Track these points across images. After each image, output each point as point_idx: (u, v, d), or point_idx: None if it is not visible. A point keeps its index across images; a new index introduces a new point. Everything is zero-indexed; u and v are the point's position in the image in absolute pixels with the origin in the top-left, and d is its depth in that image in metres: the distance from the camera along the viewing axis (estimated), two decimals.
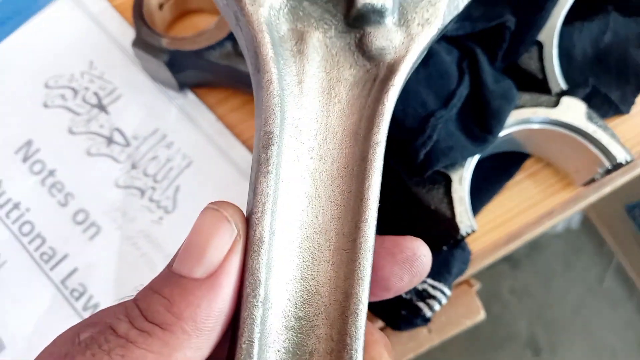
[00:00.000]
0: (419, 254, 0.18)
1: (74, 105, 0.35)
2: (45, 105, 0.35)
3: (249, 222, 0.16)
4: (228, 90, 0.36)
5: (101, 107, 0.35)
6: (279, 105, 0.16)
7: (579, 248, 0.93)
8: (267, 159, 0.16)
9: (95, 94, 0.35)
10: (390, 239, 0.18)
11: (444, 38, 0.29)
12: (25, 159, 0.34)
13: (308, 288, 0.17)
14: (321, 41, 0.18)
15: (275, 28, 0.17)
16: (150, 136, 0.34)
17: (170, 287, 0.15)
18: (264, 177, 0.16)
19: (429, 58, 0.28)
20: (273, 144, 0.16)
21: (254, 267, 0.15)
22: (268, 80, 0.16)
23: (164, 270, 0.16)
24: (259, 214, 0.16)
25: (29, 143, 0.34)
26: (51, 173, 0.34)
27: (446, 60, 0.29)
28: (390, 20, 0.17)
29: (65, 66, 0.36)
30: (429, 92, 0.28)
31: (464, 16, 0.30)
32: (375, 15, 0.17)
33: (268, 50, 0.17)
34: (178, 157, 0.34)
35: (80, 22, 0.37)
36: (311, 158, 0.17)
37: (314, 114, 0.17)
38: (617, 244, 0.89)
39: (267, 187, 0.16)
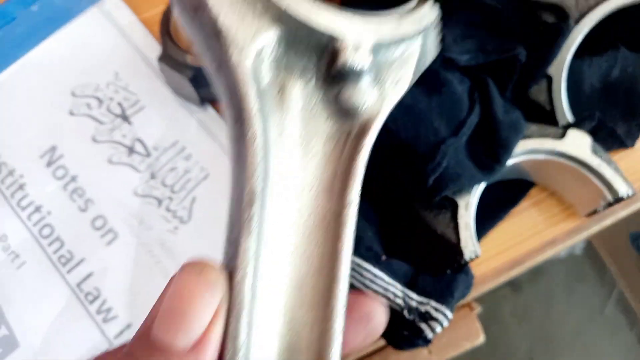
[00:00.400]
0: (374, 314, 0.17)
1: (98, 114, 0.36)
2: (71, 113, 0.37)
3: (230, 280, 0.15)
4: None
5: (124, 118, 0.36)
6: (263, 160, 0.16)
7: (581, 274, 0.93)
8: (251, 218, 0.16)
9: (120, 104, 0.37)
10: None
11: (458, 68, 0.31)
12: (49, 164, 0.35)
13: (286, 346, 0.16)
14: (301, 92, 0.18)
15: (259, 78, 0.17)
16: (170, 148, 0.35)
17: (153, 357, 0.14)
18: (247, 236, 0.15)
19: (442, 87, 0.30)
20: (256, 201, 0.16)
21: (236, 331, 0.15)
22: (252, 135, 0.16)
23: (141, 330, 0.15)
24: (241, 275, 0.15)
25: (53, 149, 0.36)
26: (73, 179, 0.35)
27: (458, 89, 0.30)
28: (366, 79, 0.18)
29: (92, 76, 0.37)
30: (440, 119, 0.29)
31: (478, 47, 0.31)
32: (353, 75, 0.17)
33: (254, 104, 0.16)
34: (196, 170, 0.35)
35: (109, 33, 0.38)
36: (290, 211, 0.17)
37: (292, 167, 0.17)
38: (620, 272, 0.89)
39: (250, 247, 0.15)
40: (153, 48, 0.38)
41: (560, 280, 0.93)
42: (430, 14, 0.20)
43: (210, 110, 0.37)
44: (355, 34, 0.18)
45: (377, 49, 0.18)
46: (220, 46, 0.17)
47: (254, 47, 0.17)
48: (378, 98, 0.18)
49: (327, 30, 0.17)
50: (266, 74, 0.17)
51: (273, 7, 0.17)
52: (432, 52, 0.21)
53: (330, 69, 0.18)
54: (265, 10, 0.17)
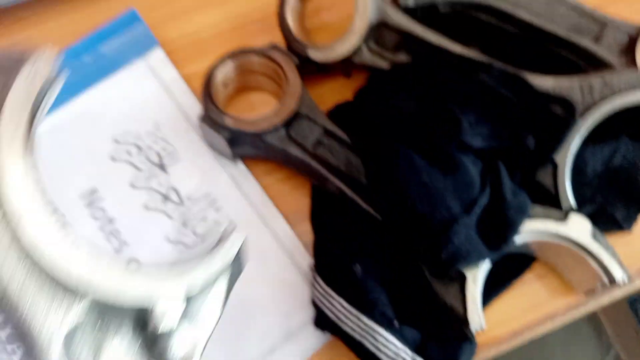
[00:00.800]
0: None
1: (137, 161, 0.39)
2: (113, 159, 0.40)
3: None
4: (274, 163, 0.40)
5: (161, 167, 0.39)
6: None
7: (579, 333, 0.94)
8: None
9: (158, 154, 0.40)
10: None
11: (472, 150, 0.34)
12: (88, 205, 0.38)
13: None
14: (119, 348, 0.18)
15: (71, 352, 0.17)
16: (202, 198, 0.38)
17: None
18: None
19: (457, 168, 0.33)
20: None
21: None
22: None
23: None
24: None
25: (93, 191, 0.39)
26: (110, 221, 0.38)
27: (471, 171, 0.33)
28: (178, 331, 0.19)
29: (134, 124, 0.41)
30: (454, 198, 0.32)
31: (491, 133, 0.34)
32: (164, 334, 0.19)
33: None
34: (225, 221, 0.38)
35: (152, 86, 0.42)
36: None
37: None
38: (617, 333, 0.90)
39: None
40: (192, 103, 0.41)
41: (557, 338, 0.94)
42: (235, 244, 0.21)
43: (240, 165, 0.40)
44: (164, 296, 0.18)
45: (189, 297, 0.19)
46: (27, 342, 0.17)
47: (63, 331, 0.17)
48: (191, 342, 0.19)
49: (134, 304, 0.18)
50: (80, 340, 0.17)
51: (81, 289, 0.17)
52: (239, 272, 0.22)
53: (144, 327, 0.19)
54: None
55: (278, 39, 0.41)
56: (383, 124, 0.34)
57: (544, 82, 0.35)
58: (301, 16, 0.41)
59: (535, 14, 0.40)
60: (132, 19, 0.42)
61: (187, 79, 0.43)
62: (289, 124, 0.37)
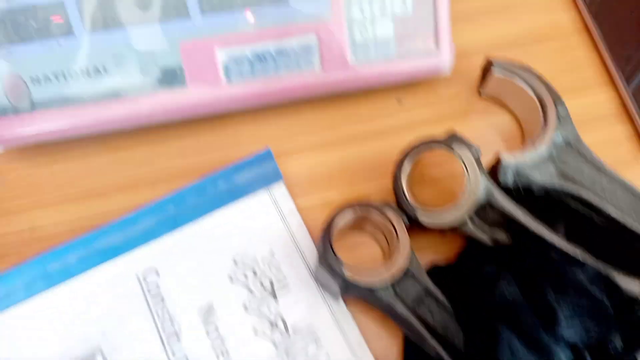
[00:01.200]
0: None
1: (252, 285, 0.44)
2: (230, 279, 0.44)
3: None
4: (370, 305, 0.44)
5: (273, 294, 0.44)
6: None
7: None
8: None
9: (271, 281, 0.44)
10: None
11: (563, 340, 0.37)
12: (204, 321, 0.43)
13: None
14: None
15: None
16: (305, 330, 0.42)
17: None
18: None
19: (552, 356, 0.36)
20: None
21: None
22: None
23: None
24: None
25: (210, 307, 0.43)
26: (222, 340, 0.42)
27: (562, 358, 0.36)
28: None
29: (252, 248, 0.46)
30: None
31: (582, 328, 0.38)
32: None
33: None
34: (322, 357, 0.41)
35: (272, 215, 0.47)
36: None
37: None
38: None
39: None
40: (304, 235, 0.47)
41: None
42: None
43: (341, 303, 0.44)
44: None
45: None
46: None
47: None
48: None
49: None
50: None
51: None
52: None
53: None
54: None
55: (383, 184, 0.47)
56: (487, 302, 0.38)
57: (631, 286, 0.39)
58: (411, 178, 0.47)
59: (621, 210, 0.45)
60: (266, 156, 0.49)
61: (302, 214, 0.48)
62: (396, 280, 0.41)
